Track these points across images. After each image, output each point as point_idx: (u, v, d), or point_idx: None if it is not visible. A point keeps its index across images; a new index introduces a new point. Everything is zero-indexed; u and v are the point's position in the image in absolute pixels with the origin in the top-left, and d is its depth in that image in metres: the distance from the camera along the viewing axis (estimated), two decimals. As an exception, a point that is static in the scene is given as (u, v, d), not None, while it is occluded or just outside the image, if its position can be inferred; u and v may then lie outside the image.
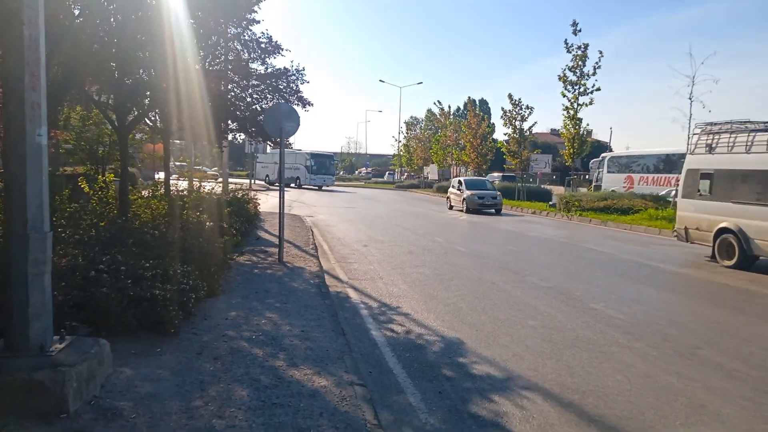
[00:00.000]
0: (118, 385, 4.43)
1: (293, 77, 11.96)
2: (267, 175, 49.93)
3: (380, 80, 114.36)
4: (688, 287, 9.73)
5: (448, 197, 29.15)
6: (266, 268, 9.56)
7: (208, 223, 9.46)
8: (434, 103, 48.82)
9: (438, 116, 54.68)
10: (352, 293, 8.50)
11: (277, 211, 10.30)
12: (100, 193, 8.96)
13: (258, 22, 11.51)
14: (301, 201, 31.24)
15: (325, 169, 47.44)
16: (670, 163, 28.73)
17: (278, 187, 23.06)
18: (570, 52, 26.32)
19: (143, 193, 11.35)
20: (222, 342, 5.60)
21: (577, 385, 5.06)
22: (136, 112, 10.34)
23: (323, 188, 45.95)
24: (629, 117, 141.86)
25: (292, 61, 12.24)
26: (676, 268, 11.85)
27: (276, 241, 10.50)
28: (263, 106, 12.13)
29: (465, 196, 26.06)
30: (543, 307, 7.89)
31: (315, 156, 47.73)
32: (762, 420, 4.43)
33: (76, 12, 7.69)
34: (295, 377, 4.81)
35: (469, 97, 58.19)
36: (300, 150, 50.63)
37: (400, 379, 5.13)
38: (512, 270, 10.85)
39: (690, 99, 20.61)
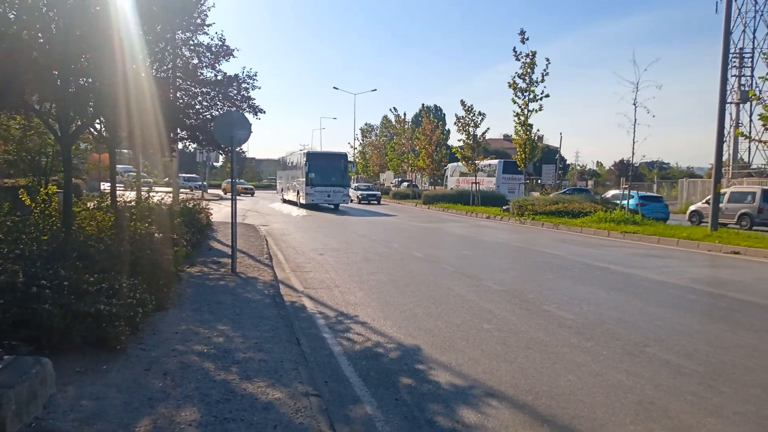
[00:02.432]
0: (62, 405, 4.23)
1: (244, 84, 11.78)
2: (282, 189, 41.72)
3: (334, 87, 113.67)
4: (636, 287, 10.02)
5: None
6: (219, 280, 9.36)
7: (157, 235, 9.19)
8: (390, 110, 48.51)
9: (393, 123, 54.98)
10: (307, 302, 8.40)
11: (231, 221, 10.09)
12: (42, 205, 8.60)
13: (208, 25, 11.31)
14: (256, 210, 30.82)
15: (333, 178, 32.59)
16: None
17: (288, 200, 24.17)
18: (519, 60, 26.94)
19: (89, 205, 10.95)
20: (172, 357, 5.42)
21: (530, 386, 5.12)
22: (79, 122, 9.97)
23: (339, 206, 33.65)
24: (578, 122, 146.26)
25: (243, 67, 12.09)
26: (623, 268, 12.19)
27: (229, 251, 10.29)
28: (213, 113, 11.90)
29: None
30: (498, 311, 7.98)
31: (315, 157, 33.27)
32: (708, 413, 4.58)
33: (12, 17, 7.37)
34: (248, 390, 4.70)
35: (423, 104, 58.77)
36: (302, 148, 41.07)
37: (357, 388, 5.08)
38: (468, 275, 10.95)
39: (634, 104, 21.33)
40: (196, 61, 11.88)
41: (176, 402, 4.39)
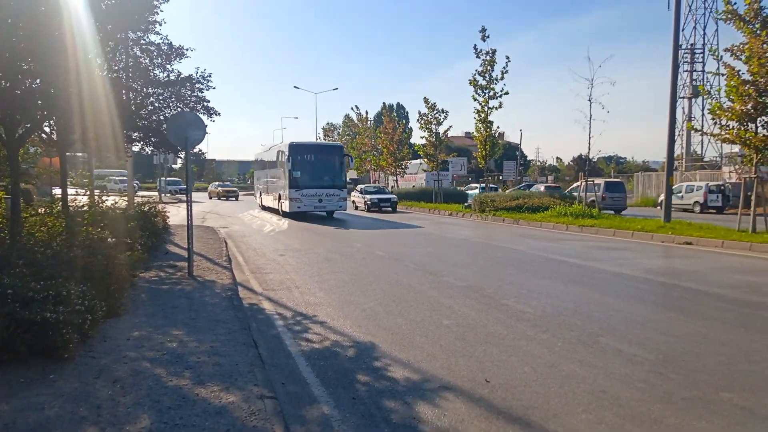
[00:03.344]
0: (4, 417, 4.08)
1: (198, 85, 11.56)
2: (260, 193, 33.21)
3: (295, 86, 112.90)
4: (593, 279, 10.23)
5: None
6: (175, 284, 9.17)
7: (110, 239, 8.95)
8: (351, 109, 48.11)
9: (356, 122, 54.87)
10: (266, 304, 8.30)
11: (186, 224, 9.89)
12: (-14, 212, 8.26)
13: (160, 24, 11.03)
14: (216, 212, 30.37)
15: (326, 177, 25.09)
16: None
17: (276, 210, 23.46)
18: (479, 57, 27.21)
19: (40, 210, 10.60)
20: (122, 364, 5.28)
21: (488, 379, 5.16)
22: (27, 125, 9.63)
23: (332, 214, 26.75)
24: (538, 119, 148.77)
25: (197, 68, 11.72)
26: (581, 261, 12.44)
27: (186, 254, 10.10)
28: (167, 114, 11.64)
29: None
30: (457, 306, 8.03)
31: (301, 150, 24.87)
32: (657, 400, 4.69)
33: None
34: (201, 395, 4.61)
35: (384, 103, 58.67)
36: (279, 143, 30.64)
37: (314, 389, 5.04)
38: (429, 271, 11.00)
39: (590, 101, 21.80)
40: (147, 60, 11.59)
41: (126, 410, 4.28)
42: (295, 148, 24.80)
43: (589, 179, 24.96)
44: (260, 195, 33.35)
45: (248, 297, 8.76)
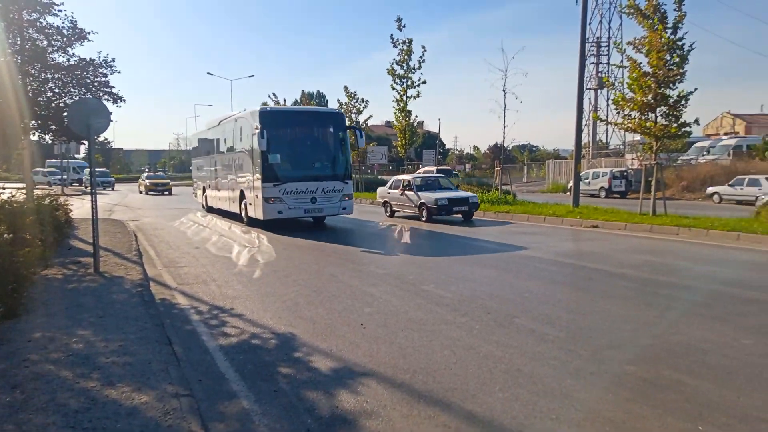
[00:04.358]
0: None
1: (102, 69, 10.89)
2: (203, 188, 23.76)
3: (208, 73, 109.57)
4: (508, 263, 10.59)
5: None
6: (80, 281, 8.62)
7: (6, 235, 8.27)
8: (269, 96, 46.94)
9: (273, 111, 53.81)
10: (181, 299, 7.98)
11: (91, 217, 9.32)
12: None
13: (57, 4, 10.28)
14: (125, 204, 28.92)
15: (319, 162, 16.88)
16: None
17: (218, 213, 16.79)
18: (396, 47, 27.37)
19: None
20: (23, 368, 4.91)
21: (408, 365, 5.22)
22: None
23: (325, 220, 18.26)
24: (456, 108, 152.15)
25: (99, 52, 10.88)
26: (497, 246, 12.85)
27: (92, 249, 9.52)
28: (67, 101, 10.90)
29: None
30: (379, 294, 8.07)
31: (280, 121, 16.38)
32: (568, 376, 4.92)
33: None
34: (111, 397, 4.36)
35: (304, 91, 57.73)
36: (236, 113, 19.50)
37: (233, 384, 4.90)
38: (351, 260, 10.99)
39: (504, 91, 22.47)
40: (45, 43, 10.79)
41: (27, 416, 3.98)
42: (270, 118, 15.68)
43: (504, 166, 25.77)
44: (204, 192, 23.47)
45: (161, 292, 8.39)
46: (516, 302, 7.56)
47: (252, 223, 17.06)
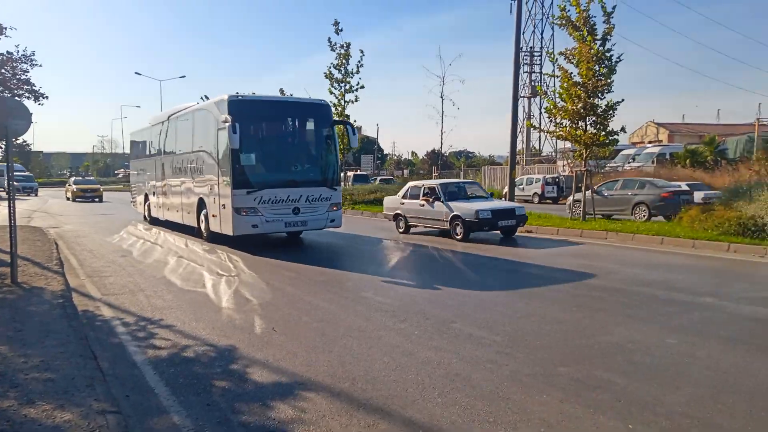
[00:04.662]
0: None
1: (21, 65, 10.25)
2: (146, 195, 20.45)
3: (136, 73, 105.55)
4: (445, 268, 10.70)
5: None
6: (-3, 292, 8.06)
7: None
8: (201, 98, 45.46)
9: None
10: (106, 311, 7.58)
11: (8, 224, 8.71)
12: None
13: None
14: (45, 210, 27.43)
15: (300, 165, 13.86)
16: None
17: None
18: (334, 51, 27.25)
19: None
20: (-74, 390, 4.50)
21: (347, 373, 5.14)
22: None
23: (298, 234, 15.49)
24: (394, 114, 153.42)
25: (17, 45, 10.05)
26: (434, 251, 12.97)
27: (8, 259, 8.91)
28: (-18, 100, 10.19)
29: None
30: (317, 302, 7.95)
31: (253, 112, 13.20)
32: (504, 379, 4.98)
33: None
34: (30, 416, 4.07)
35: (238, 93, 56.73)
36: (192, 104, 16.56)
37: (163, 398, 4.68)
38: (289, 268, 10.80)
39: (441, 97, 22.92)
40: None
41: (-72, 444, 3.63)
42: (242, 108, 12.66)
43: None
44: (147, 200, 20.25)
45: (84, 304, 7.94)
46: (454, 307, 7.63)
47: (214, 238, 13.99)
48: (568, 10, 16.93)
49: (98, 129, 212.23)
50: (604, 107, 16.89)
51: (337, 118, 14.27)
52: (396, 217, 16.74)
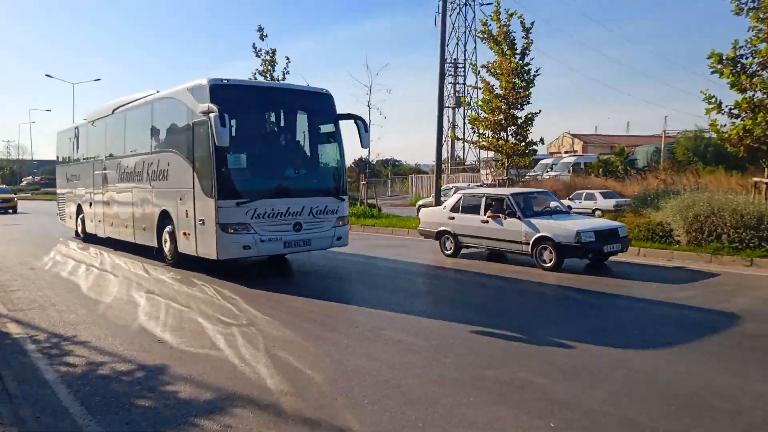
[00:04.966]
0: None
1: None
2: (80, 206, 16.94)
3: (47, 75, 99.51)
4: (375, 275, 10.75)
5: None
6: None
7: None
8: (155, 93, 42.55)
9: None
10: (13, 327, 7.07)
11: None
12: None
13: None
14: None
15: (296, 168, 11.17)
16: None
17: None
18: (259, 57, 26.86)
19: None
20: None
21: (276, 385, 5.04)
22: None
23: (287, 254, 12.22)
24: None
25: None
26: (364, 259, 13.01)
27: None
28: None
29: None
30: (243, 312, 7.77)
31: (236, 99, 10.19)
32: (432, 383, 5.05)
33: None
34: None
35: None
36: (154, 91, 13.14)
37: (78, 419, 4.41)
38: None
39: (368, 106, 22.97)
40: None
41: None
42: (227, 95, 9.99)
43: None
44: (80, 213, 16.95)
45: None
46: (383, 314, 7.66)
47: (181, 262, 11.19)
48: (490, 25, 17.56)
49: (3, 134, 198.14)
50: (523, 118, 17.61)
51: (350, 113, 11.26)
52: (441, 236, 13.20)
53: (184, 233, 10.70)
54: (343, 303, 8.68)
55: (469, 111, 19.40)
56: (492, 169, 27.46)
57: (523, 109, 17.62)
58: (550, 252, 10.90)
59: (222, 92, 9.84)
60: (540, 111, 17.76)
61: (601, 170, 35.85)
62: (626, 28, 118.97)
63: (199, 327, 7.07)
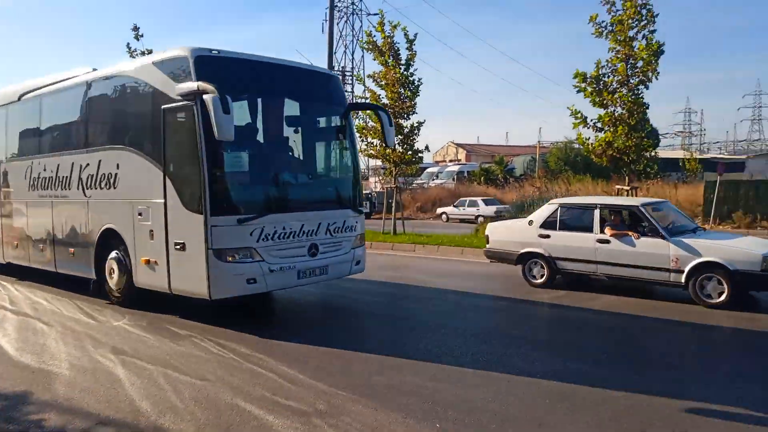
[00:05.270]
0: None
1: None
2: None
3: None
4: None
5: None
6: None
7: None
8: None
9: None
10: None
11: None
12: None
13: None
14: None
15: (311, 168, 8.72)
16: None
17: None
18: (133, 57, 25.46)
19: None
20: None
21: (149, 407, 4.74)
22: None
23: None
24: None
25: None
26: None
27: None
28: None
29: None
30: (122, 330, 7.27)
31: (231, 77, 7.22)
32: (321, 395, 4.99)
33: None
34: None
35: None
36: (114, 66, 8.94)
37: None
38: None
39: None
40: None
41: None
42: (218, 71, 7.11)
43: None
44: None
45: None
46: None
47: (134, 301, 8.28)
48: (374, 36, 17.88)
49: None
50: (409, 128, 18.06)
51: (363, 96, 9.16)
52: (526, 260, 10.14)
53: (147, 261, 7.72)
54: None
55: (357, 120, 19.53)
56: (381, 177, 27.95)
57: (409, 118, 18.08)
58: (719, 283, 8.14)
59: (211, 67, 7.07)
60: (425, 121, 18.33)
61: (482, 178, 37.72)
62: (508, 44, 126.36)
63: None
